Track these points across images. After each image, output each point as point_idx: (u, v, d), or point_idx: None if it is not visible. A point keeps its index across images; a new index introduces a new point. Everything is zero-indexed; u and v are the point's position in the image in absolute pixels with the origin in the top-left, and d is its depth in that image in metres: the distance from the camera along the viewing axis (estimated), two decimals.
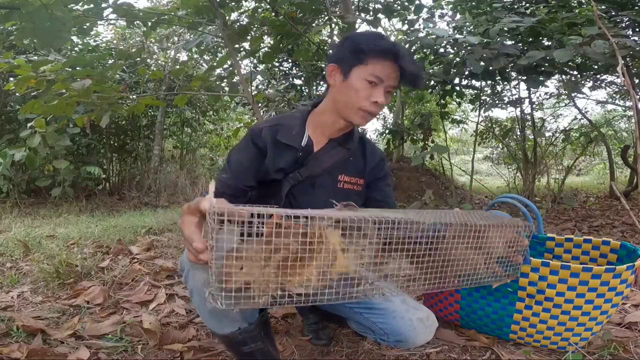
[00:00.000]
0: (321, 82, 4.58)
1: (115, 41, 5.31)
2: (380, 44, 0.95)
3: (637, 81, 3.20)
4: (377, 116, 1.01)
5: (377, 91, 0.96)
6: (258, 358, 0.93)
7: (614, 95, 4.55)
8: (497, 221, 0.86)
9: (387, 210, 0.90)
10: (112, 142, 5.24)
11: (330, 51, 1.07)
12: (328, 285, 0.68)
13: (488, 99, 4.21)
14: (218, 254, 0.60)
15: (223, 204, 0.63)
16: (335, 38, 3.01)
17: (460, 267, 0.83)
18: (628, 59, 2.83)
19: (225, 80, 2.98)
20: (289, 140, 1.03)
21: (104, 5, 2.13)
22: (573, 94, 3.96)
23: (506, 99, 4.16)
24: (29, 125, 3.18)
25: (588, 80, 3.83)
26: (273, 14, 2.86)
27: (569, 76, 3.57)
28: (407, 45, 3.48)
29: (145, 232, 2.65)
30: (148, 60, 5.18)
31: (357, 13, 3.16)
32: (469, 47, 2.86)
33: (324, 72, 1.09)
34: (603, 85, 4.04)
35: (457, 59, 3.22)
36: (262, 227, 0.64)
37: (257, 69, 4.03)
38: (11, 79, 3.76)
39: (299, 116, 1.08)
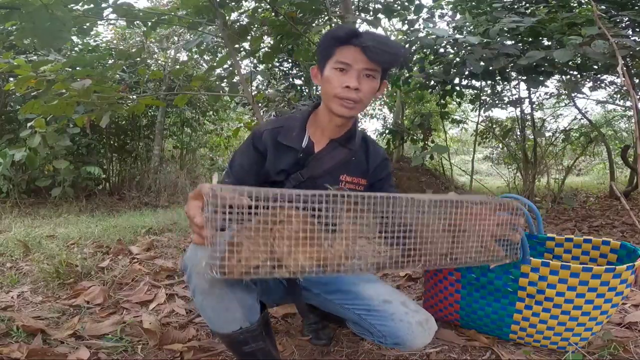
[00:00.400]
0: None
1: (115, 41, 5.32)
2: (337, 33, 0.98)
3: (637, 81, 3.20)
4: (364, 105, 1.04)
5: (347, 76, 0.96)
6: (259, 358, 0.93)
7: (614, 95, 4.56)
8: (485, 200, 0.87)
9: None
10: (112, 142, 5.25)
11: None
12: (319, 264, 0.74)
13: (488, 99, 4.22)
14: (213, 227, 0.68)
15: (225, 189, 0.70)
16: None
17: (448, 245, 0.84)
18: (628, 59, 2.83)
19: (225, 80, 2.99)
20: (290, 141, 1.04)
21: (104, 5, 2.13)
22: (573, 94, 3.96)
23: (506, 99, 4.17)
24: (29, 125, 3.18)
25: (588, 80, 3.83)
26: (273, 14, 2.86)
27: (569, 76, 3.57)
28: (407, 45, 3.48)
29: (145, 232, 2.65)
30: (148, 60, 5.18)
31: (357, 13, 3.16)
32: (469, 47, 2.86)
33: None
34: (603, 85, 4.04)
35: (457, 59, 3.22)
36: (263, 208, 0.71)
37: (257, 69, 4.03)
38: (11, 79, 3.76)
39: (299, 117, 1.09)
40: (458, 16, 3.65)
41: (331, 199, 0.73)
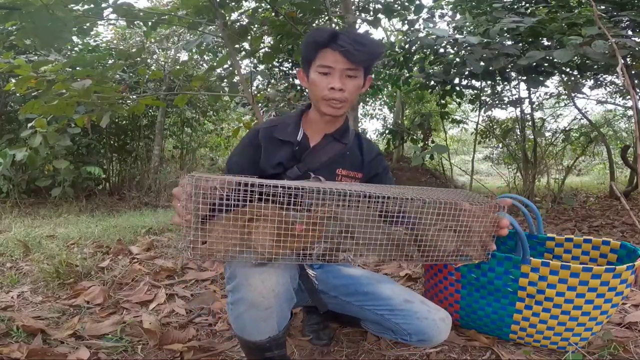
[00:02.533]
0: None
1: (115, 41, 5.31)
2: (315, 37, 1.02)
3: (637, 81, 3.20)
4: (350, 103, 1.07)
5: (331, 78, 1.01)
6: None
7: (614, 95, 4.56)
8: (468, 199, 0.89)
9: (371, 186, 0.95)
10: (112, 142, 5.24)
11: None
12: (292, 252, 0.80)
13: (488, 99, 4.21)
14: (189, 215, 0.75)
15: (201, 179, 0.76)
16: None
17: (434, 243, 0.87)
18: (628, 59, 2.83)
19: (225, 80, 2.99)
20: (285, 136, 1.08)
21: (104, 5, 2.13)
22: (573, 94, 3.96)
23: (506, 99, 4.16)
24: (29, 125, 3.18)
25: (589, 79, 3.83)
26: (273, 14, 2.86)
27: (569, 76, 3.56)
28: (407, 46, 3.48)
29: (145, 232, 2.65)
30: (148, 60, 5.18)
31: (357, 13, 3.16)
32: (469, 47, 2.86)
33: None
34: (603, 84, 4.04)
35: (457, 59, 3.22)
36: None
37: (257, 69, 4.03)
38: (11, 79, 3.76)
39: (294, 115, 1.14)
40: (458, 16, 3.65)
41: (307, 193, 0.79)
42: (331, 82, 1.00)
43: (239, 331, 0.89)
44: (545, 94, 4.51)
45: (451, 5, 4.13)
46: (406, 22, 3.52)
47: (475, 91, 4.04)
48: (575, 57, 2.73)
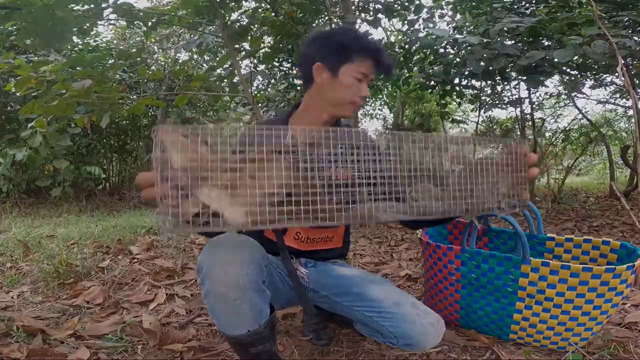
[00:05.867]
0: None
1: (115, 41, 5.32)
2: (365, 43, 1.02)
3: (637, 81, 3.20)
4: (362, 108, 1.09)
5: (364, 86, 1.04)
6: (264, 358, 0.93)
7: (614, 95, 4.56)
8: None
9: None
10: (112, 142, 5.24)
11: (307, 48, 1.08)
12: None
13: (488, 99, 4.22)
14: (163, 172, 0.58)
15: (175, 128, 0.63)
16: None
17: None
18: (629, 59, 2.83)
19: (225, 80, 2.99)
20: None
21: (104, 5, 2.13)
22: (573, 94, 3.96)
23: (506, 99, 4.16)
24: (29, 125, 3.18)
25: (589, 79, 3.83)
26: (273, 14, 2.87)
27: (569, 76, 3.56)
28: (407, 46, 3.48)
29: (145, 232, 2.65)
30: (148, 60, 5.18)
31: (357, 13, 3.16)
32: (469, 47, 2.86)
33: None
34: (603, 84, 4.04)
35: (457, 59, 3.22)
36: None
37: (257, 69, 4.02)
38: (11, 79, 3.76)
39: (280, 118, 1.14)
40: (458, 16, 3.65)
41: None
42: (364, 91, 1.04)
43: (217, 325, 0.89)
44: (545, 94, 4.52)
45: (451, 5, 4.13)
46: (406, 22, 3.52)
47: (475, 91, 4.04)
48: (575, 57, 2.73)
